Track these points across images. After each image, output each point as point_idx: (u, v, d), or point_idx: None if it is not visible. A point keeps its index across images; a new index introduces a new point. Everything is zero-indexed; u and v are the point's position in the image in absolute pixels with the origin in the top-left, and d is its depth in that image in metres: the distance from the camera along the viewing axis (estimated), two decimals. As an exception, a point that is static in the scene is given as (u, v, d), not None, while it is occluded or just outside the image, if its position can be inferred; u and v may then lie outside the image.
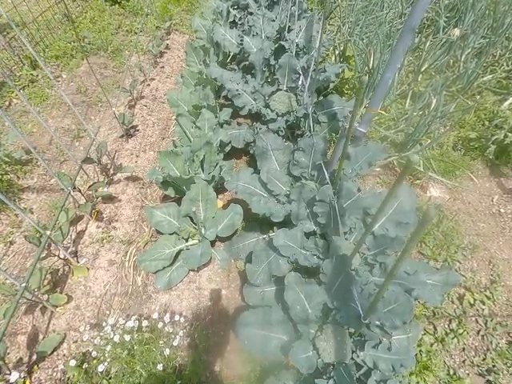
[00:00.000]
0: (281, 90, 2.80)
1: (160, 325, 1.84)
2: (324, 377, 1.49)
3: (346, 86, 3.36)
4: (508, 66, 3.52)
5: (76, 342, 1.89)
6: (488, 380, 1.84)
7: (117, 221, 2.50)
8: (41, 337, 1.90)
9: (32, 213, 2.51)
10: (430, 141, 2.53)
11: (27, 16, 4.01)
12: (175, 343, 1.76)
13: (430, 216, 0.72)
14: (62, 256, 2.17)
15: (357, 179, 2.22)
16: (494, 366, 1.88)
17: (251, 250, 2.21)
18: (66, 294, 2.05)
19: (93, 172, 2.78)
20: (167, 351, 1.74)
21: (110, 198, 2.60)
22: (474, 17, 3.59)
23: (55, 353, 1.85)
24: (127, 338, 1.72)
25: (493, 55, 3.65)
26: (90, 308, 2.04)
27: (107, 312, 2.04)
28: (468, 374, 1.87)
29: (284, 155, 2.32)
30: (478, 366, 1.89)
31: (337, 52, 3.51)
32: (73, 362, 1.66)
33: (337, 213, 1.72)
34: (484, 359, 1.91)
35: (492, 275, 2.25)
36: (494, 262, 2.31)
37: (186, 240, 2.21)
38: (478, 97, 3.01)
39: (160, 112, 3.45)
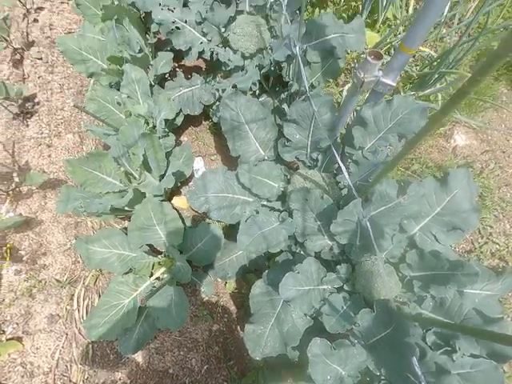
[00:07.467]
0: (242, 12, 1.80)
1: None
2: None
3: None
4: None
5: None
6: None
7: (45, 254, 1.76)
8: None
9: None
10: (460, 72, 1.81)
11: None
12: None
13: None
14: (-28, 334, 1.51)
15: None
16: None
17: (242, 263, 1.66)
18: (-1, 385, 1.47)
19: (-14, 185, 1.87)
20: None
21: (25, 223, 1.80)
22: None
23: None
24: None
25: None
26: (41, 392, 1.50)
27: (66, 390, 1.52)
28: None
29: (266, 128, 1.55)
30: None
31: None
32: None
33: (369, 233, 1.13)
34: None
35: (526, 236, 1.90)
36: (527, 218, 1.94)
37: (151, 274, 1.58)
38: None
39: (66, 65, 2.31)
